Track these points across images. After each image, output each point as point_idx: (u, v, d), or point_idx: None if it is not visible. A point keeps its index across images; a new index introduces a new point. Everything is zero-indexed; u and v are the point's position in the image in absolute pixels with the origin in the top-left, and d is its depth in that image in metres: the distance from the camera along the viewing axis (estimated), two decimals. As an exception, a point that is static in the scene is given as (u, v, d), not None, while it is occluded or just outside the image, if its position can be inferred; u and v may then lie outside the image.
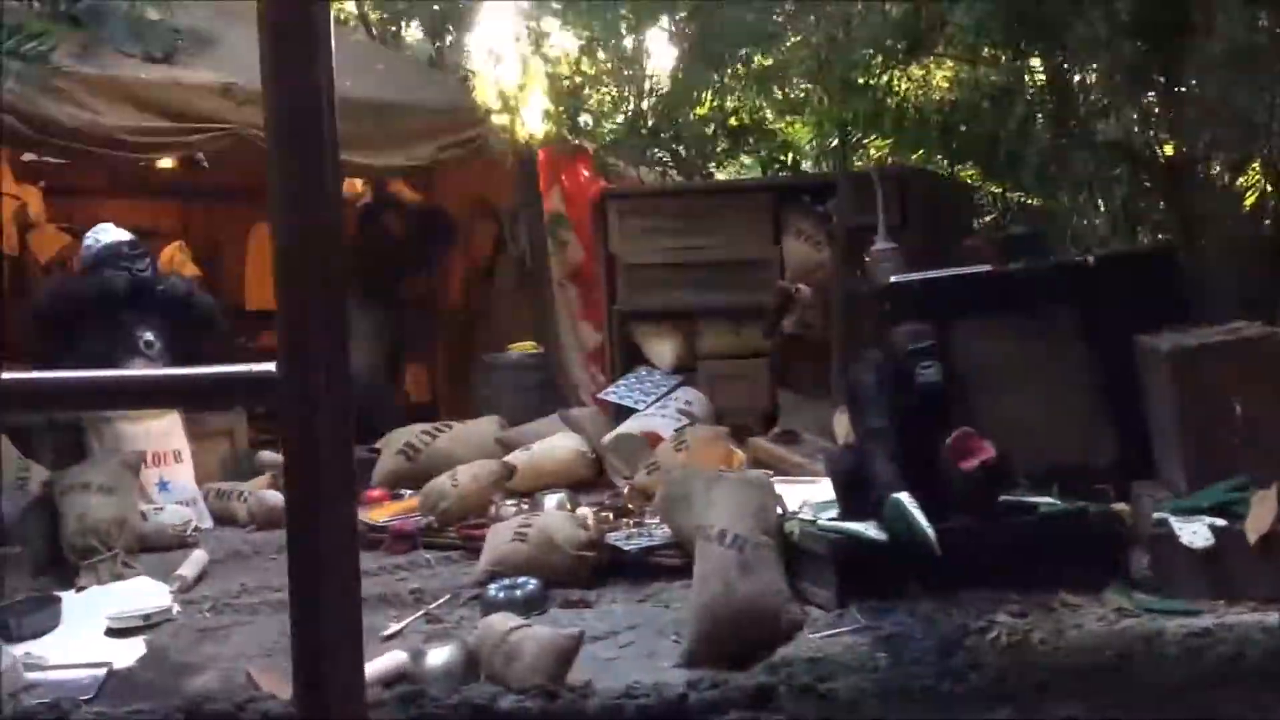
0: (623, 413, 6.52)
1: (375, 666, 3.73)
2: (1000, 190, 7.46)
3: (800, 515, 4.11)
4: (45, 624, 4.32)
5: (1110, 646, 3.38)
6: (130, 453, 5.37)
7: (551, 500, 5.16)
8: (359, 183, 8.09)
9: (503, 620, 3.81)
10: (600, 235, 6.72)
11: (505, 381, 7.42)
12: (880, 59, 6.47)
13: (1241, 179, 6.61)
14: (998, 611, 3.47)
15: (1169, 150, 6.31)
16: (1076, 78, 6.62)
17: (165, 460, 5.57)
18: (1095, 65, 6.44)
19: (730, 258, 6.63)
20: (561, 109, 5.77)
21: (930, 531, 3.47)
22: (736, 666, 3.62)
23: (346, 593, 0.77)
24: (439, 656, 3.75)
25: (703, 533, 3.91)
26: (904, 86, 6.64)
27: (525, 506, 5.09)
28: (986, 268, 5.11)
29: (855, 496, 3.81)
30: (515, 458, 5.73)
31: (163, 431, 5.65)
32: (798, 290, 6.28)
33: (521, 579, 4.27)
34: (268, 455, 6.22)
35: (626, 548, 4.48)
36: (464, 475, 5.23)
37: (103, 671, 3.92)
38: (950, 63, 6.57)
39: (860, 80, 6.38)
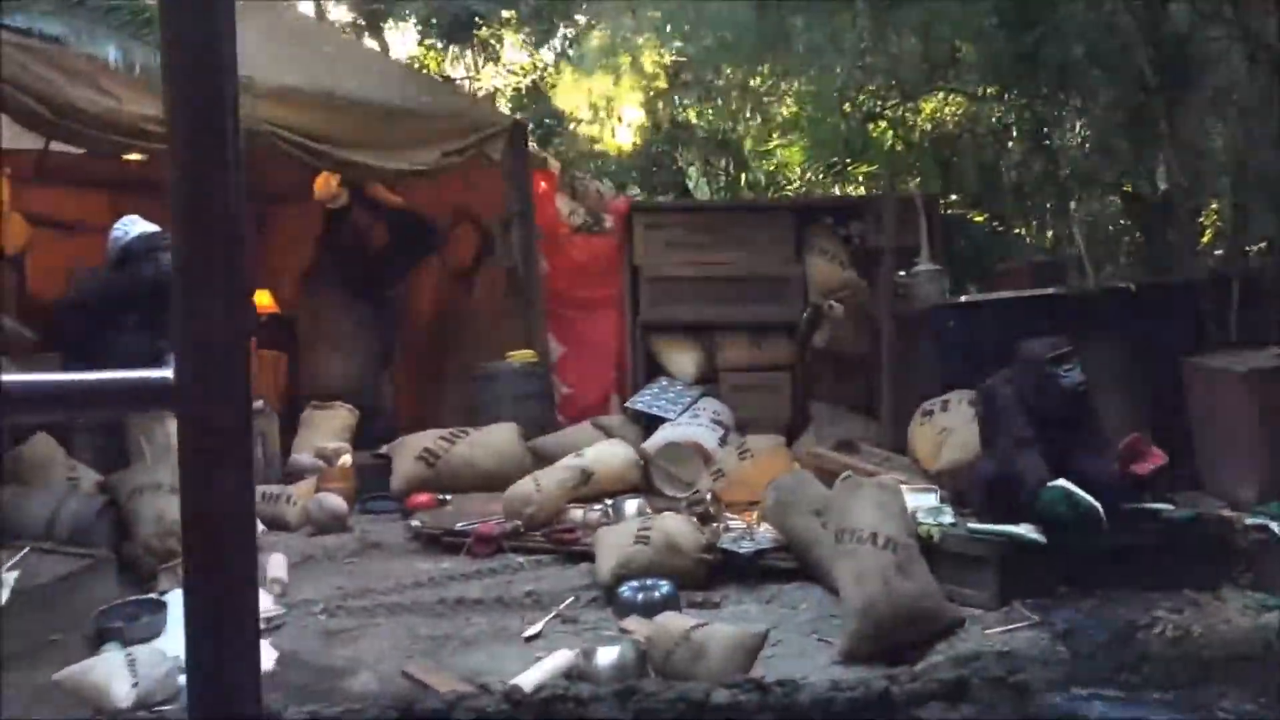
0: (648, 421, 6.62)
1: (546, 665, 3.75)
2: (983, 219, 7.88)
3: (920, 520, 4.31)
4: (155, 627, 4.14)
5: (1257, 639, 3.69)
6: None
7: (631, 505, 5.21)
8: (334, 181, 7.92)
9: (678, 619, 3.89)
10: (625, 248, 6.79)
11: (505, 390, 7.37)
12: (896, 91, 6.79)
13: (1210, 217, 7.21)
14: (1156, 608, 3.74)
15: (1156, 188, 6.84)
16: (1073, 119, 7.06)
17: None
18: (1090, 108, 6.92)
19: (752, 273, 6.81)
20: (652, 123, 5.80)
21: (1098, 506, 3.71)
22: (894, 663, 3.80)
23: (245, 600, 0.80)
24: (609, 655, 3.78)
25: (852, 536, 4.06)
26: (912, 119, 6.95)
27: (611, 512, 5.13)
28: (1051, 290, 5.43)
29: (999, 502, 4.03)
30: (570, 464, 5.74)
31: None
32: (830, 307, 6.52)
33: (652, 580, 4.33)
34: (305, 459, 6.07)
35: (741, 551, 4.58)
36: (546, 481, 5.23)
37: (247, 675, 3.80)
38: (955, 97, 6.90)
39: (878, 109, 6.69)
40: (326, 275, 8.12)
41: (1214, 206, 7.31)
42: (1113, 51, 6.43)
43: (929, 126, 6.80)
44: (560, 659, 3.81)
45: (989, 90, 7.07)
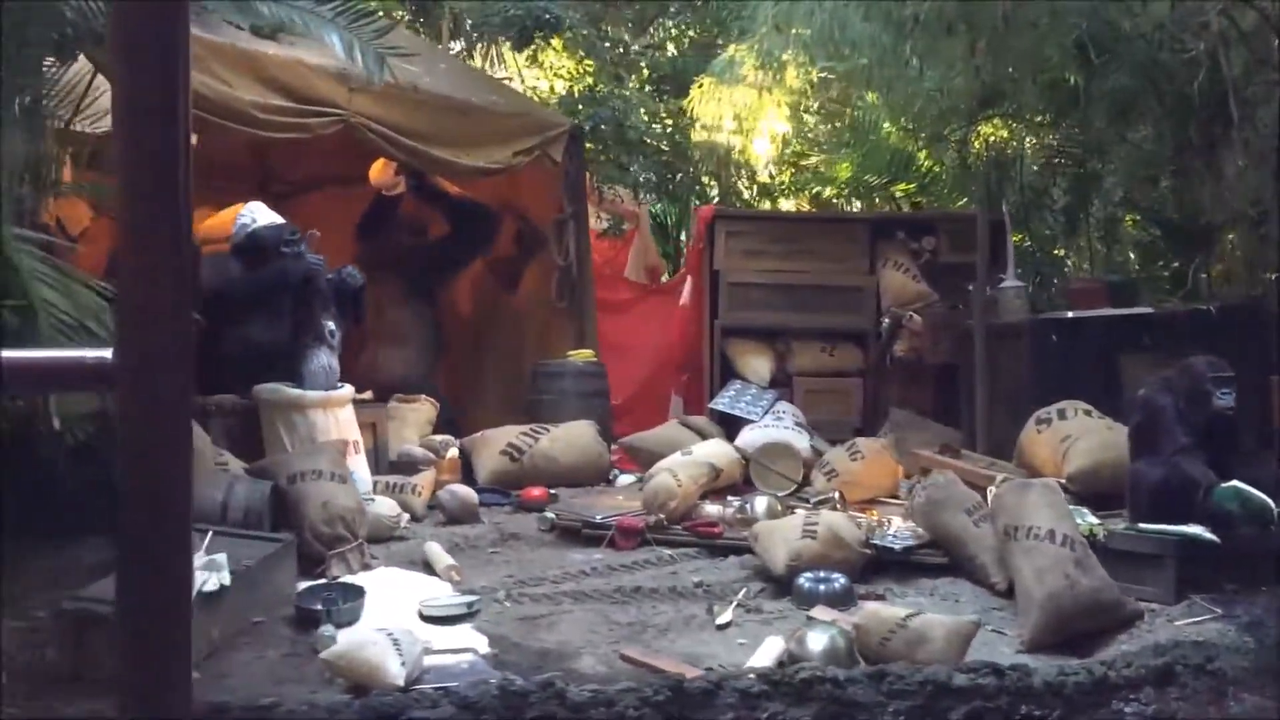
0: (727, 421, 6.83)
1: (766, 651, 3.94)
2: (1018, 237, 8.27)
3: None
4: (356, 612, 4.21)
5: None
6: (338, 441, 5.20)
7: (761, 502, 5.42)
8: (392, 168, 7.87)
9: (887, 608, 4.11)
10: (706, 253, 7.00)
11: (571, 387, 7.51)
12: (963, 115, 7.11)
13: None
14: (1325, 602, 4.09)
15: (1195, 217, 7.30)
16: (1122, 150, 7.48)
17: (348, 450, 5.41)
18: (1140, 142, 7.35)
19: (827, 283, 7.09)
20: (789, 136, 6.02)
21: (1271, 504, 4.06)
22: (1076, 653, 4.09)
23: (179, 583, 0.81)
24: (820, 641, 3.97)
25: (1028, 533, 4.34)
26: (975, 143, 7.29)
27: (747, 508, 5.33)
28: (1147, 309, 5.81)
29: (1165, 503, 4.35)
30: (698, 460, 5.88)
31: (349, 420, 5.48)
32: (910, 318, 6.83)
33: (826, 573, 4.55)
34: (416, 450, 6.12)
35: (896, 546, 4.83)
36: (683, 476, 5.40)
37: (473, 656, 3.91)
38: (1013, 124, 7.26)
39: (945, 134, 7.01)
40: (380, 265, 8.09)
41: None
42: (1166, 92, 6.86)
43: (982, 148, 7.13)
44: (775, 645, 4.00)
45: (1042, 119, 7.44)
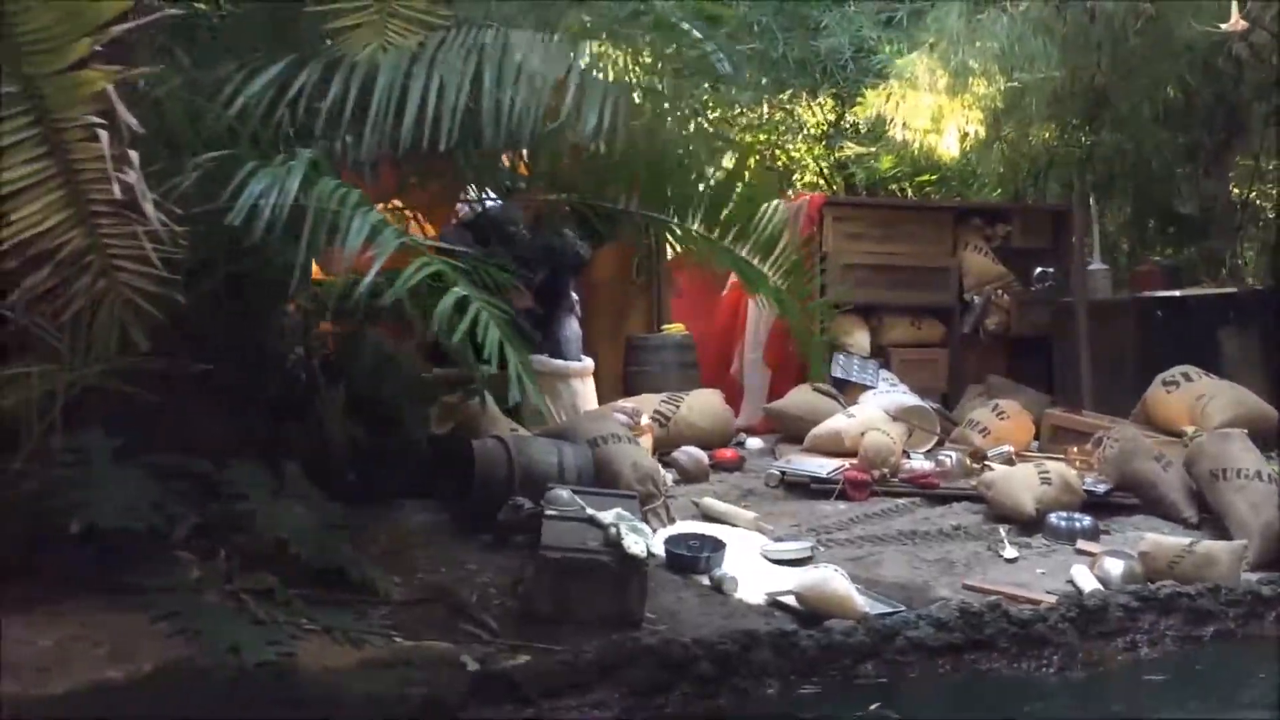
0: (841, 387, 7.57)
1: (1085, 576, 4.74)
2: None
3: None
4: (722, 559, 4.73)
5: None
6: (613, 408, 5.65)
7: (952, 456, 6.21)
8: None
9: (1168, 538, 4.98)
10: (818, 237, 7.69)
11: (670, 359, 8.07)
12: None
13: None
14: None
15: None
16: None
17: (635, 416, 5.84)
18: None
19: (916, 264, 7.94)
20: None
21: None
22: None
23: None
24: (1117, 567, 4.82)
25: (1238, 474, 5.30)
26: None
27: (947, 460, 6.11)
28: (1231, 289, 6.92)
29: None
30: (839, 423, 6.58)
31: (591, 389, 5.92)
32: (999, 294, 7.76)
33: (1074, 514, 5.39)
34: (623, 416, 6.55)
35: (1099, 490, 5.71)
36: (894, 433, 6.13)
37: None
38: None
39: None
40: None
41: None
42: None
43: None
44: (1084, 573, 4.81)
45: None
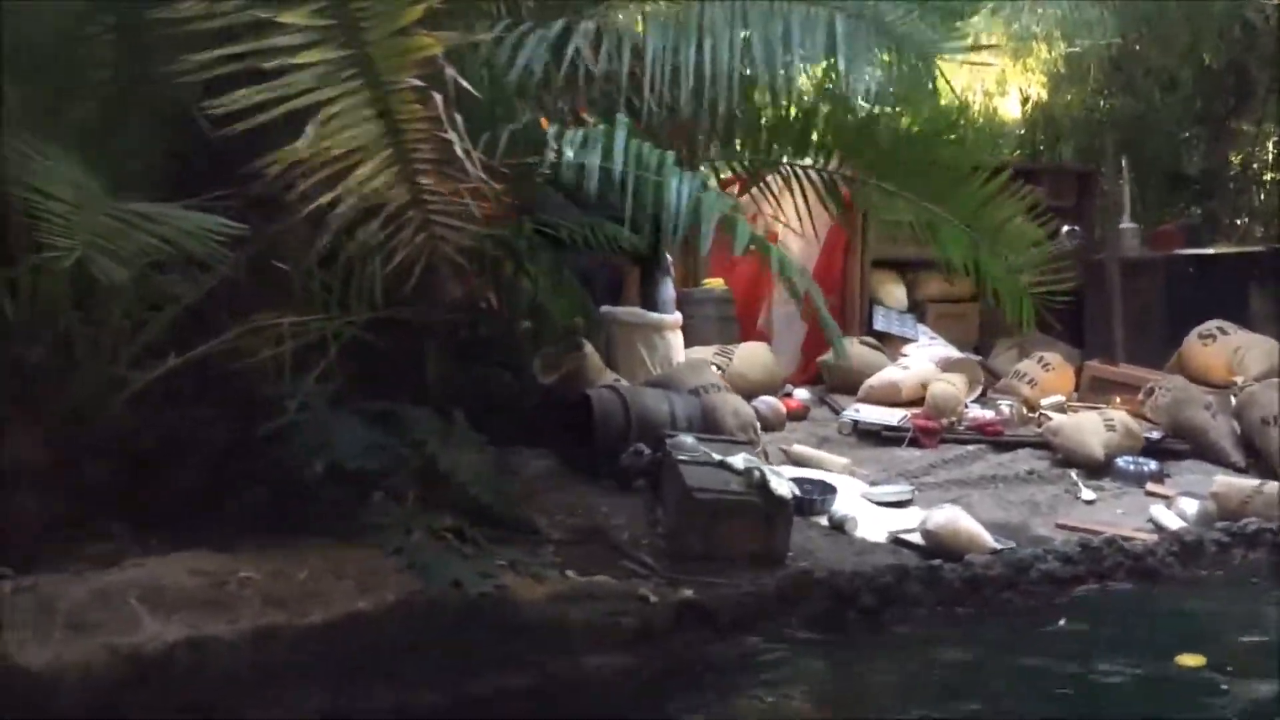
0: (881, 340, 7.87)
1: (1164, 514, 5.10)
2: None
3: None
4: (833, 501, 5.01)
5: None
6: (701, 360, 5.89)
7: (1006, 405, 6.54)
8: None
9: (1238, 479, 5.36)
10: (861, 195, 7.94)
11: (712, 313, 8.29)
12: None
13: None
14: None
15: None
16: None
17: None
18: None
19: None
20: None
21: None
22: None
23: None
24: (1191, 506, 5.20)
25: (1286, 421, 5.72)
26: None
27: (1007, 409, 6.45)
28: (1262, 248, 7.33)
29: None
30: (895, 374, 6.89)
31: (681, 341, 6.16)
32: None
33: (1140, 458, 5.76)
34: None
35: (1154, 435, 6.08)
36: (959, 383, 6.44)
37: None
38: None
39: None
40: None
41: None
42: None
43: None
44: (1161, 510, 5.17)
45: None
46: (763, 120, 4.16)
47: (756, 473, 4.39)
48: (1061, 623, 4.00)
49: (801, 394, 7.55)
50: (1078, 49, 6.46)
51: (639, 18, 3.27)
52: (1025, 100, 7.33)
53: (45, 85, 2.68)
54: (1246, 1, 7.29)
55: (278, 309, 3.09)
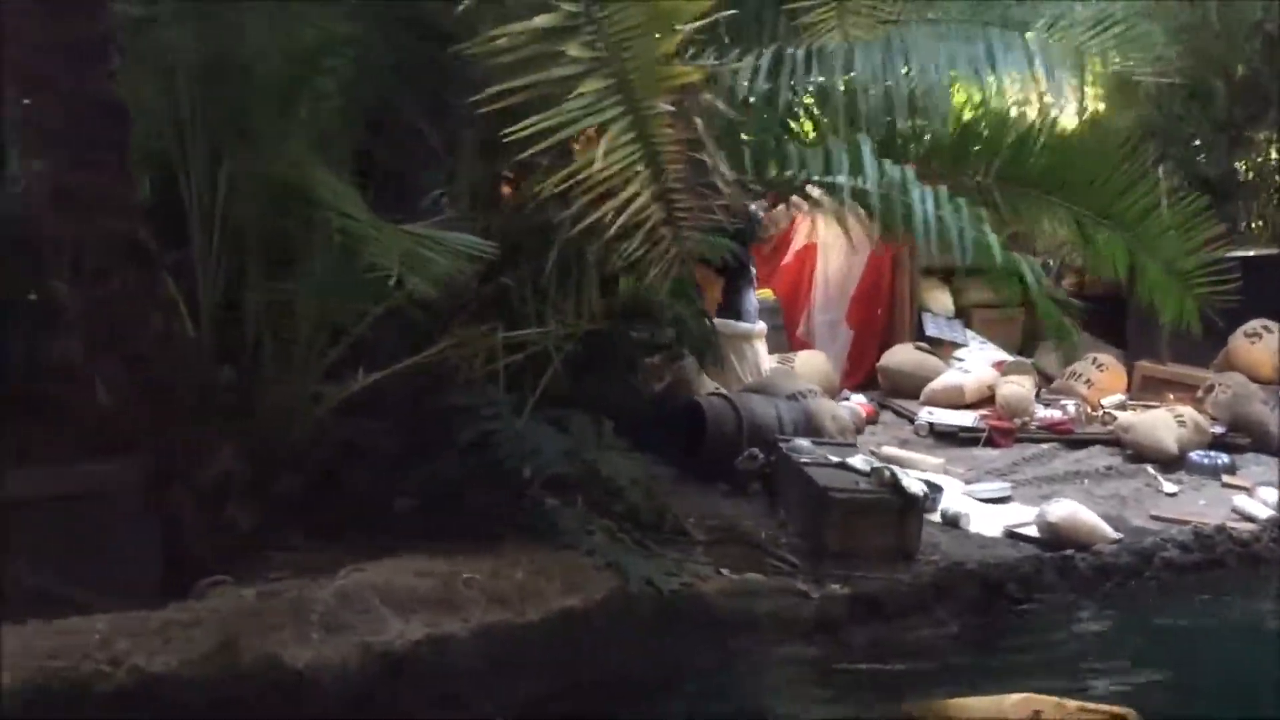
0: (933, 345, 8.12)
1: (1251, 505, 5.36)
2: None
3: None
4: (941, 498, 5.22)
5: None
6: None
7: (1072, 406, 6.80)
8: None
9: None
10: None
11: (765, 321, 8.52)
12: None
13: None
14: None
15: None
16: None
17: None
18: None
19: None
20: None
21: None
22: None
23: None
24: (1272, 495, 5.46)
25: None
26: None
27: (1071, 408, 6.70)
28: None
29: None
30: (957, 378, 7.14)
31: (765, 350, 6.37)
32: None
33: (1212, 452, 6.02)
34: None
35: (1219, 430, 6.35)
36: (1028, 385, 6.69)
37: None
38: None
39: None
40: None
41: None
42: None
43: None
44: (1246, 500, 5.43)
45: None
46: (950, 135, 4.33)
47: (887, 472, 4.60)
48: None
49: (861, 399, 7.79)
50: (1132, 63, 6.73)
51: (844, 42, 3.47)
52: (1082, 113, 7.63)
53: (329, 118, 2.84)
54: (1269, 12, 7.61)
55: (486, 322, 3.24)
